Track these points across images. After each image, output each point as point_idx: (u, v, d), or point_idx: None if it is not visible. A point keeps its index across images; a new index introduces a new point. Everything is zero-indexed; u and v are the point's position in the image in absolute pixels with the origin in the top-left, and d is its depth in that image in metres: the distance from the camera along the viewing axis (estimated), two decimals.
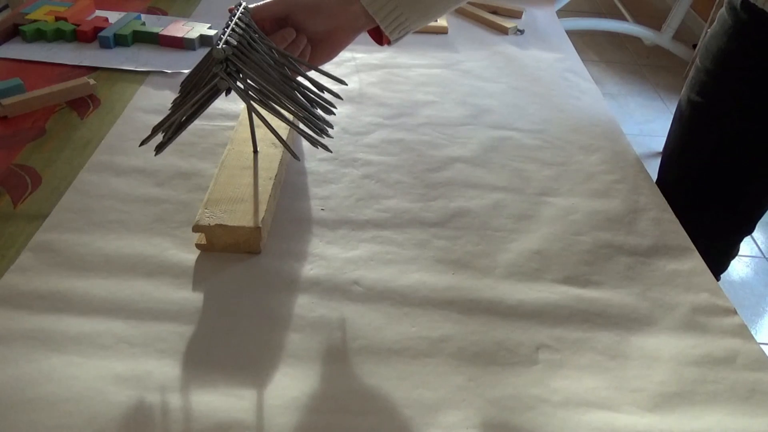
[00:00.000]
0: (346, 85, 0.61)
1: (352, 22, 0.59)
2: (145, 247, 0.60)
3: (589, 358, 0.53)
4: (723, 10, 0.80)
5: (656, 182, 0.95)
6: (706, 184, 0.86)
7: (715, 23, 0.82)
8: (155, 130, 0.55)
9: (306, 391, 0.49)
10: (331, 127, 0.57)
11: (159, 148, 0.54)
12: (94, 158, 0.71)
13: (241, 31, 0.54)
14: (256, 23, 0.57)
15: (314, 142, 0.54)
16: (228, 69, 0.52)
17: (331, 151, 0.59)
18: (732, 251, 0.95)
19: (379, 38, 0.62)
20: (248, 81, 0.53)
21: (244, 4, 0.57)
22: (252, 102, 0.53)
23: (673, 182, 0.90)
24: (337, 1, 0.58)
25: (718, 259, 0.93)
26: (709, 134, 0.84)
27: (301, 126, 0.55)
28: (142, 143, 0.55)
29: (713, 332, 0.56)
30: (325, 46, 0.60)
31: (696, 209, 0.86)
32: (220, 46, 0.51)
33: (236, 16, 0.55)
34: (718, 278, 0.95)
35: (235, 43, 0.53)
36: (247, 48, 0.54)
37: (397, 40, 0.61)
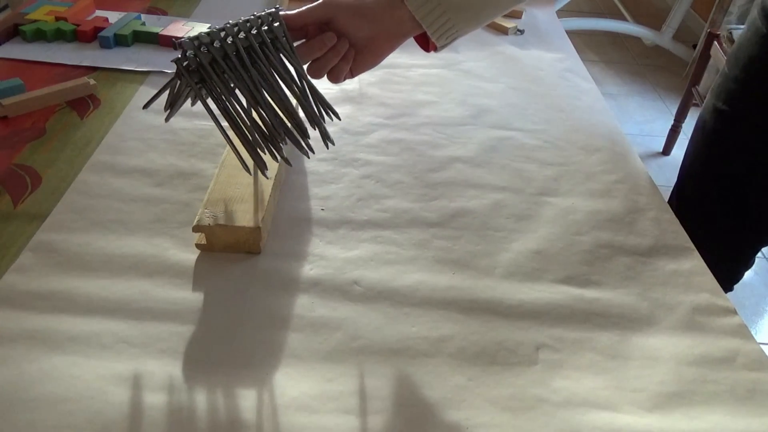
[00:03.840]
0: (340, 120, 0.60)
1: (397, 27, 0.56)
2: (145, 247, 0.60)
3: (589, 358, 0.53)
4: (755, 16, 0.77)
5: (673, 191, 0.93)
6: (729, 195, 0.84)
7: (744, 30, 0.79)
8: (157, 95, 0.55)
9: (306, 391, 0.49)
10: (311, 150, 0.56)
11: (166, 119, 0.56)
12: (94, 158, 0.71)
13: (238, 31, 0.53)
14: (299, 28, 0.56)
15: (258, 161, 0.55)
16: (189, 66, 0.51)
17: (267, 177, 0.57)
18: (749, 262, 0.93)
19: (425, 44, 0.60)
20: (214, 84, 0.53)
21: (276, 7, 0.55)
22: (210, 105, 0.53)
23: (693, 192, 0.88)
24: (381, 6, 0.56)
25: (734, 269, 0.92)
26: (735, 144, 0.81)
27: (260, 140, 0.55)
28: (145, 106, 0.56)
29: (713, 332, 0.56)
30: (369, 52, 0.58)
31: (716, 220, 0.84)
32: (183, 39, 0.51)
33: (243, 18, 0.54)
34: (731, 288, 0.94)
35: (208, 40, 0.52)
36: (235, 50, 0.53)
37: (443, 46, 0.59)
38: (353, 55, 0.57)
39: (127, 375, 0.49)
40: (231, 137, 0.56)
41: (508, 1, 0.57)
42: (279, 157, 0.56)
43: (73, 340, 0.51)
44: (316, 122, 0.57)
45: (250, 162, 0.57)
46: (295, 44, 0.56)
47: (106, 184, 0.68)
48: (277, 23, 0.55)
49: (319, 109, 0.57)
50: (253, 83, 0.54)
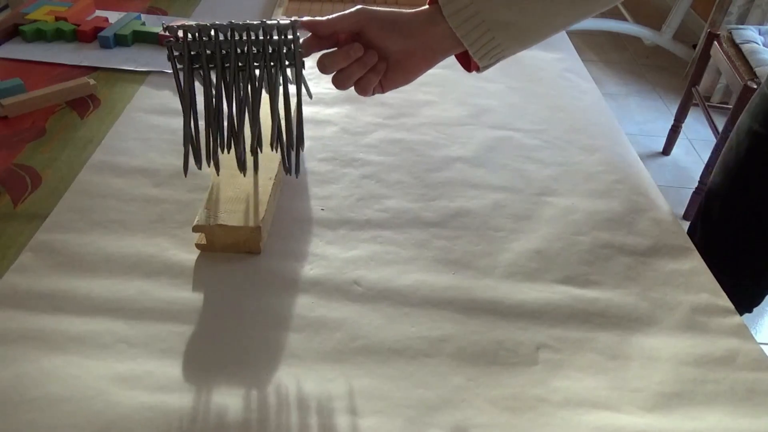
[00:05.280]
0: (303, 150, 0.59)
1: (434, 44, 0.53)
2: (145, 247, 0.60)
3: (589, 358, 0.53)
4: None
5: (697, 212, 0.90)
6: (760, 218, 0.81)
7: None
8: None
9: (306, 391, 0.49)
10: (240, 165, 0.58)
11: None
12: (94, 158, 0.71)
13: (239, 34, 0.54)
14: (327, 36, 0.54)
15: (196, 158, 0.57)
16: (180, 51, 0.54)
17: (185, 176, 0.58)
18: None
19: (467, 63, 0.57)
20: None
21: (294, 20, 0.55)
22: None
23: (721, 212, 0.86)
24: (419, 21, 0.52)
25: (757, 291, 0.89)
26: None
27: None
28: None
29: (713, 332, 0.56)
30: (401, 68, 0.54)
31: (743, 242, 0.82)
32: (172, 25, 0.53)
33: (247, 21, 0.54)
34: (750, 310, 0.91)
35: (194, 30, 0.53)
36: (219, 52, 0.54)
37: (486, 67, 0.55)
38: (384, 68, 0.54)
39: (127, 375, 0.49)
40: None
41: (560, 20, 0.53)
42: (209, 165, 0.58)
43: (73, 340, 0.51)
44: (281, 147, 0.58)
45: (251, 161, 0.58)
46: (321, 53, 0.54)
47: (106, 184, 0.68)
48: (290, 36, 0.54)
49: (298, 135, 0.57)
50: (221, 86, 0.54)
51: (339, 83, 0.54)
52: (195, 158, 0.57)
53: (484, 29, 0.51)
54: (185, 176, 0.58)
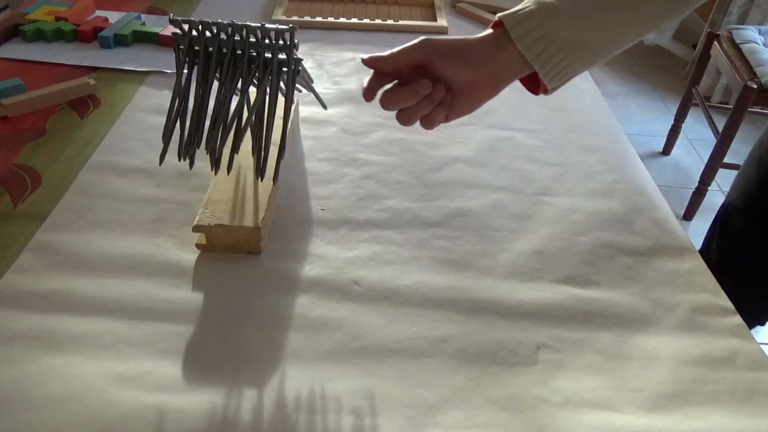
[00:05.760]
0: (326, 109, 0.60)
1: (502, 70, 0.52)
2: (145, 247, 0.60)
3: (589, 358, 0.53)
4: None
5: (712, 225, 0.89)
6: None
7: None
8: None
9: (306, 391, 0.49)
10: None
11: None
12: (94, 158, 0.71)
13: (231, 31, 0.54)
14: (391, 71, 0.52)
15: (163, 150, 0.58)
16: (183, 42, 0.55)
17: (159, 165, 0.60)
18: None
19: (532, 86, 0.56)
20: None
21: (291, 26, 0.54)
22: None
23: (741, 228, 0.85)
24: (486, 47, 0.51)
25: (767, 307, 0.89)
26: None
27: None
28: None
29: (713, 332, 0.56)
30: (467, 97, 0.53)
31: (763, 259, 0.81)
32: (177, 18, 0.55)
33: (248, 23, 0.54)
34: (763, 323, 0.90)
35: (197, 26, 0.54)
36: (222, 50, 0.55)
37: (555, 89, 0.54)
38: (450, 100, 0.52)
39: (127, 375, 0.49)
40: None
41: (628, 33, 0.52)
42: (182, 158, 0.59)
43: (73, 340, 0.51)
44: (258, 154, 0.58)
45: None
46: (385, 87, 0.52)
47: (106, 184, 0.68)
48: (289, 42, 0.54)
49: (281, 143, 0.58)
50: (207, 83, 0.56)
51: (404, 120, 0.52)
52: (178, 150, 0.59)
53: (555, 50, 0.50)
54: (160, 164, 0.60)
